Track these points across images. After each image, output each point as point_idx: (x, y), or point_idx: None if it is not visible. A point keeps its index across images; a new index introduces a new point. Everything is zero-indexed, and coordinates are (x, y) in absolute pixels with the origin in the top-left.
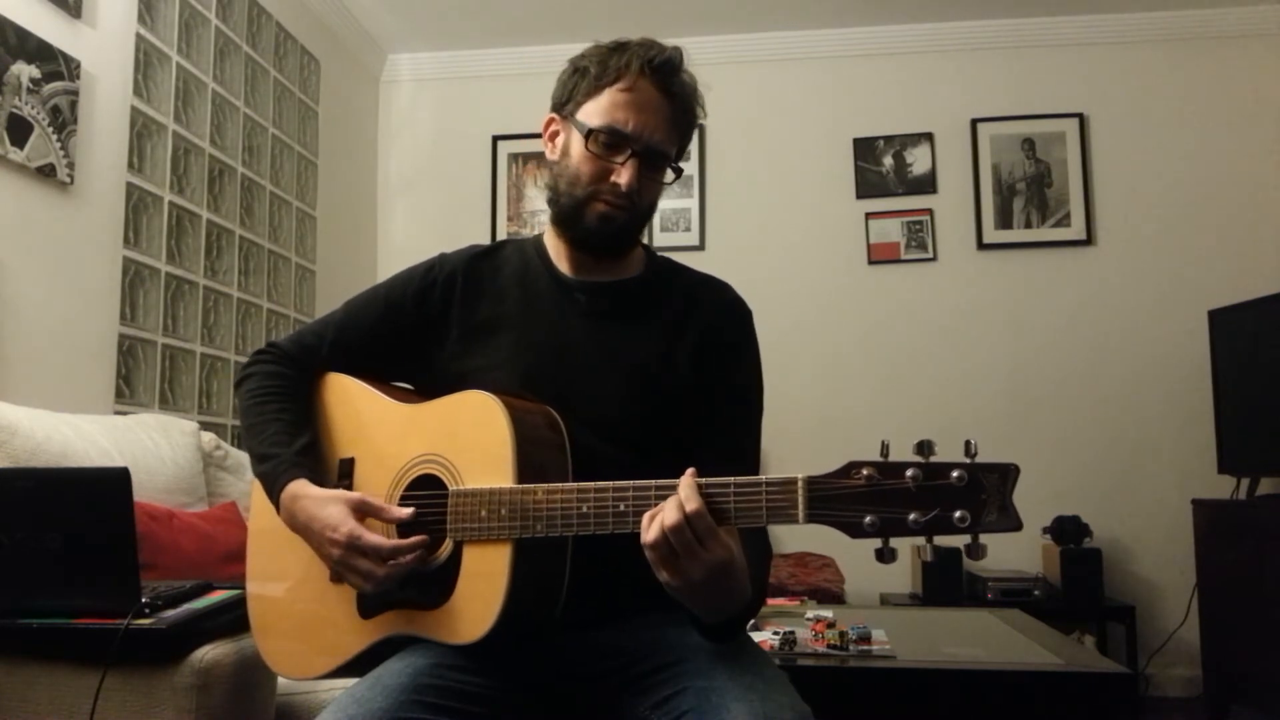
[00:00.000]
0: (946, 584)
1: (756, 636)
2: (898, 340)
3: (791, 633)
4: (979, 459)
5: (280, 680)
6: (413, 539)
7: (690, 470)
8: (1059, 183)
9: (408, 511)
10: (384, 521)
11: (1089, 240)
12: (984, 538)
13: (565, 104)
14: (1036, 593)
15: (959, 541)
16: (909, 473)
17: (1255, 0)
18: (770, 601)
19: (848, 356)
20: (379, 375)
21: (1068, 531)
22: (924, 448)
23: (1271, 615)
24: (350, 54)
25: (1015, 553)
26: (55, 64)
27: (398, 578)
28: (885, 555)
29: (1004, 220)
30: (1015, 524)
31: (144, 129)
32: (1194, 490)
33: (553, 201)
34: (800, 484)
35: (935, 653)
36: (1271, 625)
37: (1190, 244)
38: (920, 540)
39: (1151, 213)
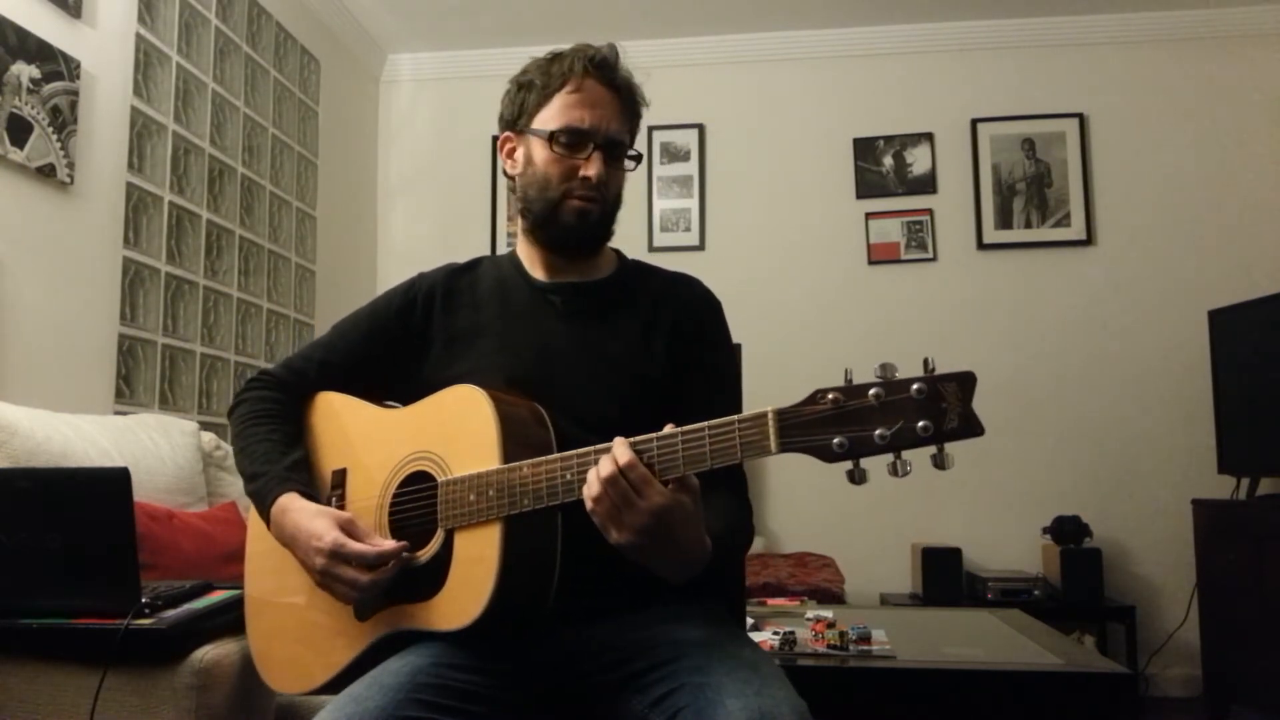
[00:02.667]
0: (946, 584)
1: (756, 637)
2: (898, 340)
3: (791, 633)
4: (937, 372)
5: None
6: (395, 545)
7: (619, 439)
8: (1059, 183)
9: (394, 545)
10: (370, 548)
11: (1089, 240)
12: (957, 462)
13: (517, 120)
14: (1036, 593)
15: (926, 454)
16: (872, 392)
17: (1256, 0)
18: (770, 601)
19: (848, 356)
20: (368, 395)
21: (1068, 531)
22: (885, 369)
23: (1271, 615)
24: (350, 54)
25: (1015, 553)
26: (55, 64)
27: (382, 586)
28: (856, 476)
29: (1004, 220)
30: (976, 429)
31: (144, 129)
32: (1194, 490)
33: (526, 211)
34: (770, 415)
35: (935, 653)
36: (1271, 625)
37: (1190, 244)
38: (889, 457)
39: (1151, 213)
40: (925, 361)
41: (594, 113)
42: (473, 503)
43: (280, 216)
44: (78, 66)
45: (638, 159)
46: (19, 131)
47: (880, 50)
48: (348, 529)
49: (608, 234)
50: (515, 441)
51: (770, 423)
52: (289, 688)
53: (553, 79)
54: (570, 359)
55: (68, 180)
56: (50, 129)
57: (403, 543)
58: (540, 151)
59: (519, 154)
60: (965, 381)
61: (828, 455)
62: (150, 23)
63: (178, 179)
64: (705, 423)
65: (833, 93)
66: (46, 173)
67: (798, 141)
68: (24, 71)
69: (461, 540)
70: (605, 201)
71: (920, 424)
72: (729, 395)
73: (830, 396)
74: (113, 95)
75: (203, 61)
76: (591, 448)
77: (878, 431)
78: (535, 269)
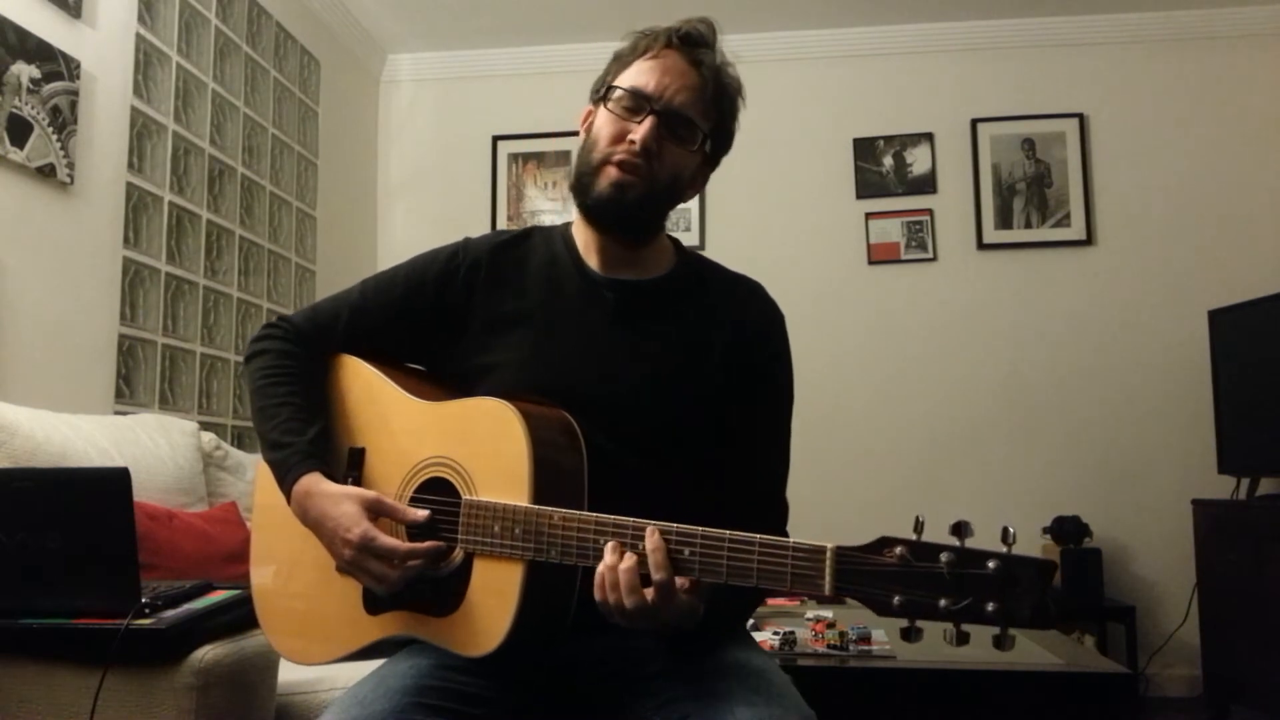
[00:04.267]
0: None
1: (756, 637)
2: (898, 340)
3: (791, 633)
4: (1015, 550)
5: (280, 680)
6: (427, 544)
7: (654, 530)
8: (1059, 183)
9: (424, 514)
10: (397, 522)
11: (1089, 240)
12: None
13: (598, 91)
14: None
15: (987, 631)
16: (943, 557)
17: (1255, 0)
18: (770, 602)
19: (848, 357)
20: (392, 358)
21: (1068, 531)
22: (960, 529)
23: (1271, 615)
24: (350, 54)
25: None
26: (55, 64)
27: (408, 580)
28: (911, 635)
29: (1004, 220)
30: (1050, 622)
31: (144, 129)
32: (1194, 490)
33: (573, 176)
34: (829, 556)
35: (935, 653)
36: (1271, 625)
37: (1190, 244)
38: (948, 623)
39: (1151, 213)
40: (1005, 532)
41: (662, 79)
42: (497, 535)
43: (280, 216)
44: (78, 66)
45: (707, 143)
46: (19, 131)
47: (880, 50)
48: (375, 509)
49: (649, 219)
50: (547, 475)
51: (828, 563)
52: (287, 655)
53: (637, 48)
54: (615, 365)
55: (68, 180)
56: (50, 129)
57: (436, 543)
58: (601, 113)
59: (588, 121)
60: (1046, 569)
61: (884, 610)
62: (150, 23)
63: (178, 179)
64: (757, 537)
65: (833, 93)
66: (46, 173)
67: (798, 141)
68: (24, 71)
69: (481, 567)
70: (651, 179)
71: (990, 606)
72: (780, 425)
73: (898, 551)
74: (113, 95)
75: (203, 61)
76: (630, 522)
77: (943, 602)
78: (590, 256)
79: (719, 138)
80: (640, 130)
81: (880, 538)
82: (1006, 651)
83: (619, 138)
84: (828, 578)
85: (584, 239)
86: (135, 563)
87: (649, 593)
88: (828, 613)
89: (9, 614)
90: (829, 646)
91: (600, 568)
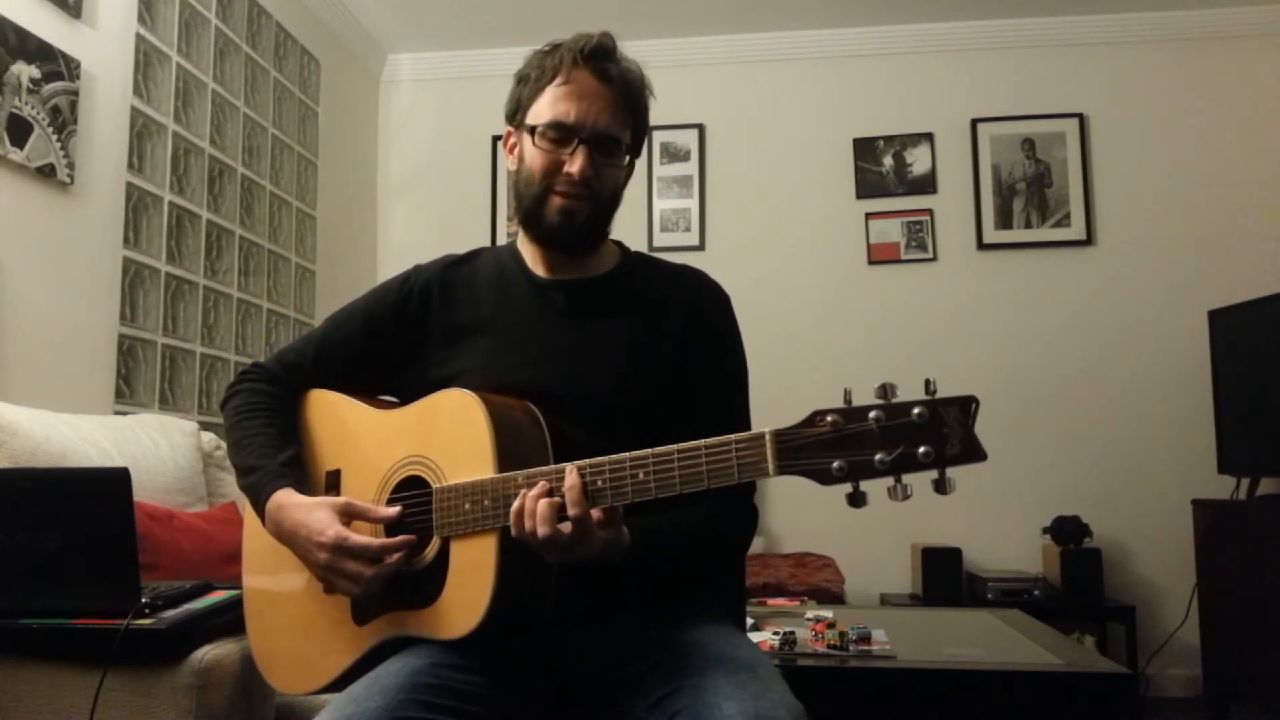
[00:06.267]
0: (946, 584)
1: (756, 637)
2: (898, 340)
3: (791, 633)
4: (939, 394)
5: None
6: (399, 538)
7: (573, 467)
8: (1059, 183)
9: (394, 510)
10: (371, 522)
11: (1089, 240)
12: (956, 480)
13: (515, 114)
14: (1036, 593)
15: (927, 478)
16: (872, 415)
17: (1255, 0)
18: (770, 601)
19: (848, 357)
20: (363, 389)
21: (1068, 531)
22: (886, 390)
23: (1271, 615)
24: (350, 54)
25: (1015, 553)
26: (55, 64)
27: (385, 578)
28: (857, 499)
29: (1004, 220)
30: (978, 454)
31: (144, 129)
32: (1194, 490)
33: (518, 208)
34: (768, 437)
35: (935, 653)
36: (1271, 625)
37: (1190, 244)
38: (889, 480)
39: (1151, 213)
40: (927, 383)
41: (580, 106)
42: (468, 511)
43: (280, 216)
44: (78, 66)
45: (634, 154)
46: (19, 131)
47: (880, 50)
48: (347, 512)
49: (598, 232)
50: (509, 448)
51: (768, 444)
52: (289, 687)
53: (545, 72)
54: (571, 359)
55: (68, 180)
56: (50, 129)
57: (408, 536)
58: (529, 147)
59: (517, 150)
60: (966, 405)
61: (826, 478)
62: (150, 23)
63: (178, 179)
64: (702, 441)
65: (833, 93)
66: (46, 173)
67: (798, 141)
68: (24, 71)
69: (458, 548)
70: (596, 199)
71: (921, 449)
72: (736, 396)
73: (829, 419)
74: (113, 95)
75: (203, 61)
76: (588, 463)
77: (878, 456)
78: (536, 264)
79: (639, 136)
80: (576, 163)
81: (812, 412)
82: (948, 494)
83: (554, 170)
84: (770, 459)
85: (529, 250)
86: (135, 563)
87: (565, 526)
88: (828, 613)
89: (9, 614)
90: (829, 646)
91: (516, 503)
